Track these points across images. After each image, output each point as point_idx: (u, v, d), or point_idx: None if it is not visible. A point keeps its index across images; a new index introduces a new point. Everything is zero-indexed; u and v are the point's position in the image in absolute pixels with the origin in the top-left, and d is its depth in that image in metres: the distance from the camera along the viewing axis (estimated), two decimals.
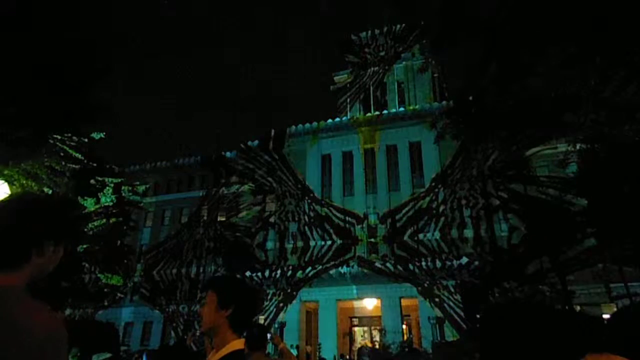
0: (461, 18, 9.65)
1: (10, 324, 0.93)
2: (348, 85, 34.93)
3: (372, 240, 26.90)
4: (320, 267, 25.06)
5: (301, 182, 29.96)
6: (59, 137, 13.76)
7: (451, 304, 22.22)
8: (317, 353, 23.86)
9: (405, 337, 22.60)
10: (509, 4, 8.77)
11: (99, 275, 19.87)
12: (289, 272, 25.35)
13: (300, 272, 25.13)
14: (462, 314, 21.59)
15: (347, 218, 27.89)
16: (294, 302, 25.04)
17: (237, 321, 1.73)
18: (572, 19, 7.87)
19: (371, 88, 33.89)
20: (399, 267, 23.52)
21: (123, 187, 21.65)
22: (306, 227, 28.24)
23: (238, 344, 1.70)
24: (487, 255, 23.10)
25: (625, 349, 1.49)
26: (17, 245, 1.07)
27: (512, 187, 23.10)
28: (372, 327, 25.69)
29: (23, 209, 1.11)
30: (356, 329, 27.12)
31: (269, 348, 22.63)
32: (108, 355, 2.65)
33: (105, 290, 20.82)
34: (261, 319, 24.83)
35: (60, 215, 1.19)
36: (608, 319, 1.79)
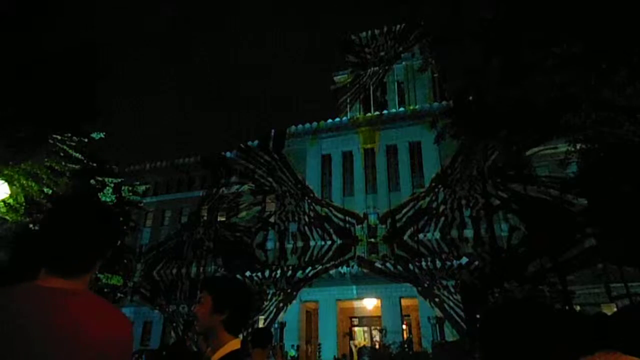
0: (461, 18, 9.65)
1: (74, 329, 0.95)
2: (348, 85, 34.92)
3: (372, 240, 26.90)
4: (320, 267, 25.06)
5: (301, 182, 29.96)
6: (59, 137, 13.74)
7: (451, 304, 22.21)
8: (317, 353, 23.86)
9: (405, 337, 22.62)
10: (509, 4, 8.77)
11: (99, 275, 19.86)
12: (289, 272, 25.34)
13: (300, 272, 25.12)
14: (462, 314, 21.58)
15: (347, 218, 27.88)
16: (294, 302, 25.04)
17: (232, 324, 1.75)
18: (572, 19, 7.88)
19: (371, 88, 33.89)
20: (399, 267, 23.52)
21: (123, 187, 21.65)
22: (306, 227, 28.24)
23: (235, 344, 1.72)
24: (487, 255, 23.10)
25: (632, 348, 1.49)
26: (93, 253, 1.09)
27: (512, 187, 23.11)
28: (372, 327, 25.69)
29: (98, 217, 1.12)
30: (356, 329, 27.12)
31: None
32: None
33: (105, 290, 20.81)
34: (261, 319, 24.83)
35: (118, 222, 1.23)
36: (612, 317, 1.79)
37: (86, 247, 1.08)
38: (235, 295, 1.84)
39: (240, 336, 1.81)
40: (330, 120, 31.22)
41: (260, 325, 23.67)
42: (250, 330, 3.55)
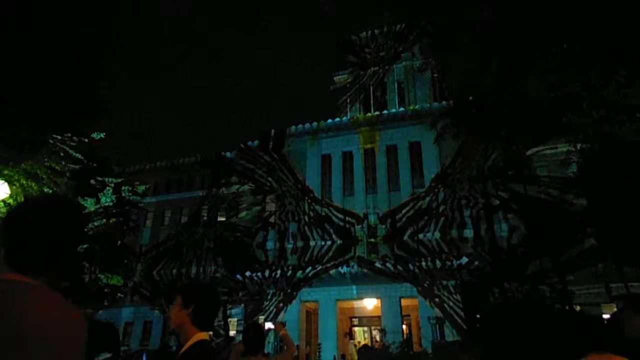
0: (461, 19, 9.64)
1: (13, 319, 0.94)
2: (348, 85, 34.90)
3: (372, 240, 26.89)
4: (320, 267, 25.05)
5: (301, 182, 29.95)
6: (59, 137, 13.74)
7: (451, 304, 22.21)
8: (317, 353, 23.85)
9: (405, 337, 22.63)
10: (510, 5, 8.77)
11: (99, 275, 19.87)
12: (289, 272, 25.34)
13: (300, 272, 25.12)
14: (462, 314, 21.58)
15: (347, 218, 27.88)
16: (294, 302, 25.03)
17: (199, 319, 1.93)
18: (573, 20, 7.87)
19: (371, 88, 33.87)
20: (399, 267, 23.51)
21: (123, 187, 21.66)
22: (306, 227, 28.23)
23: (201, 335, 1.90)
24: (487, 255, 23.10)
25: (625, 349, 1.49)
26: (51, 255, 1.09)
27: (512, 187, 23.10)
28: (372, 327, 25.69)
29: (64, 218, 1.12)
30: (356, 329, 27.12)
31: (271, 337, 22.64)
32: (108, 355, 2.65)
33: (105, 290, 20.82)
34: (261, 319, 24.83)
35: (84, 224, 1.23)
36: (608, 319, 1.79)
37: (45, 248, 1.07)
38: (200, 291, 2.08)
39: (211, 332, 1.96)
40: (330, 120, 31.21)
41: (259, 324, 23.62)
42: (246, 330, 3.58)
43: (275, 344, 23.02)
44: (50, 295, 1.04)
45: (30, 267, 1.05)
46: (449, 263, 22.61)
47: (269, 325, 22.00)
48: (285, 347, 4.42)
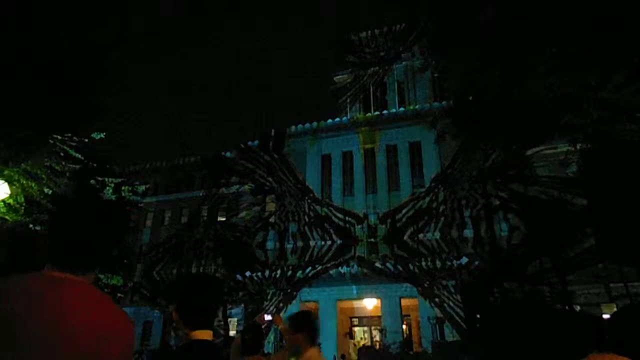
0: (460, 19, 9.65)
1: (61, 315, 0.96)
2: (348, 85, 34.84)
3: (372, 240, 26.89)
4: (320, 267, 25.05)
5: (301, 182, 29.94)
6: (59, 137, 13.73)
7: (451, 304, 22.20)
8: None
9: (405, 337, 22.65)
10: (510, 5, 8.77)
11: (99, 275, 19.86)
12: (289, 272, 25.34)
13: (300, 272, 25.12)
14: (462, 314, 21.58)
15: (347, 218, 27.87)
16: (294, 302, 25.04)
17: (186, 316, 1.74)
18: (573, 20, 7.87)
19: (371, 88, 33.85)
20: (399, 267, 23.51)
21: (123, 187, 21.68)
22: (306, 227, 28.20)
23: (199, 334, 1.71)
24: (487, 255, 23.07)
25: (626, 349, 1.49)
26: (95, 252, 1.13)
27: (512, 187, 23.07)
28: (372, 327, 25.69)
29: (100, 217, 1.15)
30: (356, 329, 27.12)
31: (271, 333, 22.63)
32: None
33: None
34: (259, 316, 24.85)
35: (121, 220, 1.27)
36: (608, 319, 1.80)
37: (89, 245, 1.10)
38: (180, 286, 1.89)
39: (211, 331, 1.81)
40: (330, 120, 31.21)
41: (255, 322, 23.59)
42: (244, 330, 3.58)
43: (275, 343, 23.04)
44: (96, 293, 1.07)
45: (75, 265, 1.07)
46: (449, 263, 22.61)
47: (268, 317, 22.04)
48: (285, 344, 4.43)
